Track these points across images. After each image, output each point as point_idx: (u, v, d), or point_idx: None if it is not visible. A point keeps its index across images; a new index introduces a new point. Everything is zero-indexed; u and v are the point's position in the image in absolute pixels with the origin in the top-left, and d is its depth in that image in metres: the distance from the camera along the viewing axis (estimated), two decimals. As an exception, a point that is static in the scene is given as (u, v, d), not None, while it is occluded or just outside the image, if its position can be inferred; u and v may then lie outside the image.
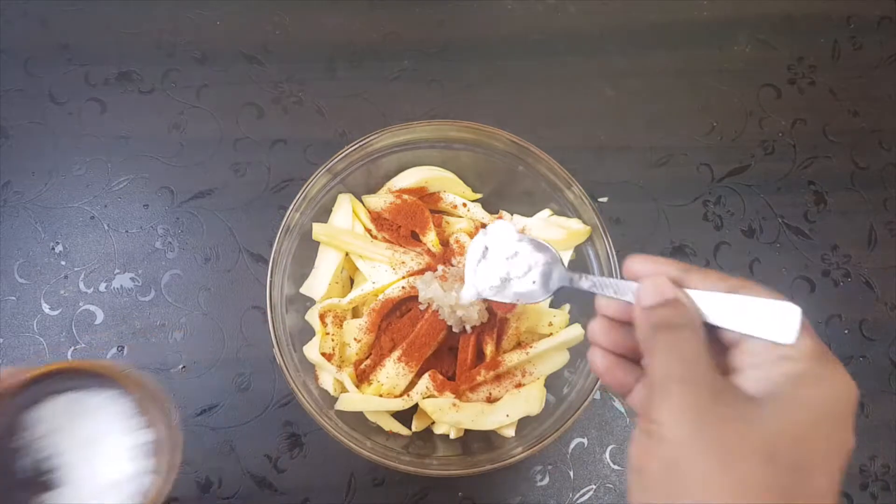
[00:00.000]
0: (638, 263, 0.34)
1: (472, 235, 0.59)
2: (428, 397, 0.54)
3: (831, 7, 0.79)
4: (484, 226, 0.60)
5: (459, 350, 0.56)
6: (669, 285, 0.33)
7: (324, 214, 0.58)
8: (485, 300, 0.54)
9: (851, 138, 0.73)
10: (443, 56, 0.73)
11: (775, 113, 0.74)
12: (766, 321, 0.31)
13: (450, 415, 0.54)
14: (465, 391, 0.55)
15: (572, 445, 0.62)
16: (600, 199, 0.68)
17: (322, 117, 0.70)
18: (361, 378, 0.55)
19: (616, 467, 0.61)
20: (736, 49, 0.76)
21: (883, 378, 0.65)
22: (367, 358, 0.56)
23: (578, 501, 0.60)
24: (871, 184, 0.72)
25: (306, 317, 0.57)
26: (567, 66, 0.74)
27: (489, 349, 0.56)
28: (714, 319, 0.32)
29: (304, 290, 0.57)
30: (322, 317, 0.55)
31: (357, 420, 0.54)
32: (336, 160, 0.56)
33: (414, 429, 0.56)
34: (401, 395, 0.55)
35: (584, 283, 0.39)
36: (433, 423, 0.56)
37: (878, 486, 0.62)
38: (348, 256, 0.58)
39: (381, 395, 0.54)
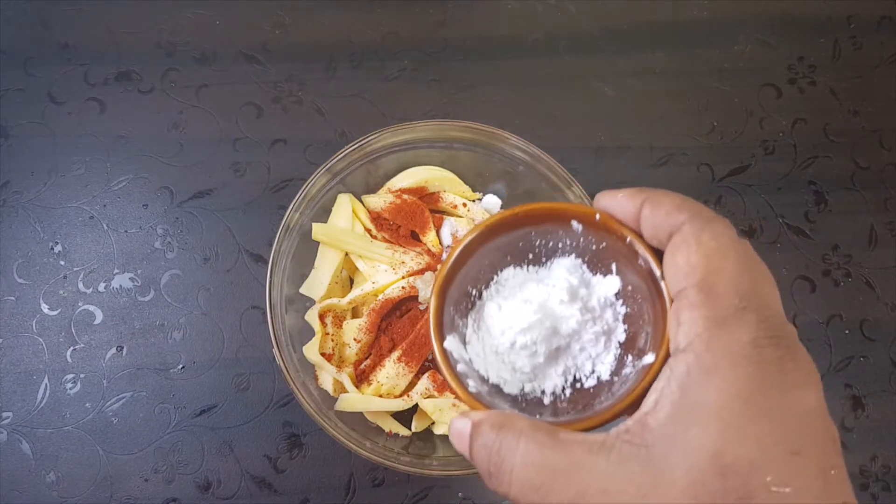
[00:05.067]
0: (604, 200, 0.36)
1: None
2: (428, 397, 0.54)
3: (831, 7, 0.79)
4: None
5: (459, 350, 0.55)
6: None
7: (324, 214, 0.58)
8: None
9: (852, 138, 0.73)
10: (443, 56, 0.73)
11: (775, 113, 0.74)
12: None
13: (450, 415, 0.54)
14: (465, 391, 0.55)
15: (572, 446, 0.61)
16: (600, 199, 0.68)
17: (322, 117, 0.70)
18: (361, 378, 0.55)
19: (616, 468, 0.61)
20: (736, 49, 0.76)
21: (883, 378, 0.65)
22: (366, 358, 0.56)
23: (578, 502, 0.60)
24: (871, 184, 0.71)
25: (306, 317, 0.57)
26: (567, 66, 0.74)
27: (489, 349, 0.55)
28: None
29: (304, 290, 0.57)
30: (322, 317, 0.55)
31: (357, 420, 0.54)
32: (336, 160, 0.56)
33: (414, 429, 0.56)
34: (401, 396, 0.54)
35: None
36: (433, 423, 0.56)
37: (879, 486, 0.62)
38: (348, 256, 0.58)
39: (380, 396, 0.54)
